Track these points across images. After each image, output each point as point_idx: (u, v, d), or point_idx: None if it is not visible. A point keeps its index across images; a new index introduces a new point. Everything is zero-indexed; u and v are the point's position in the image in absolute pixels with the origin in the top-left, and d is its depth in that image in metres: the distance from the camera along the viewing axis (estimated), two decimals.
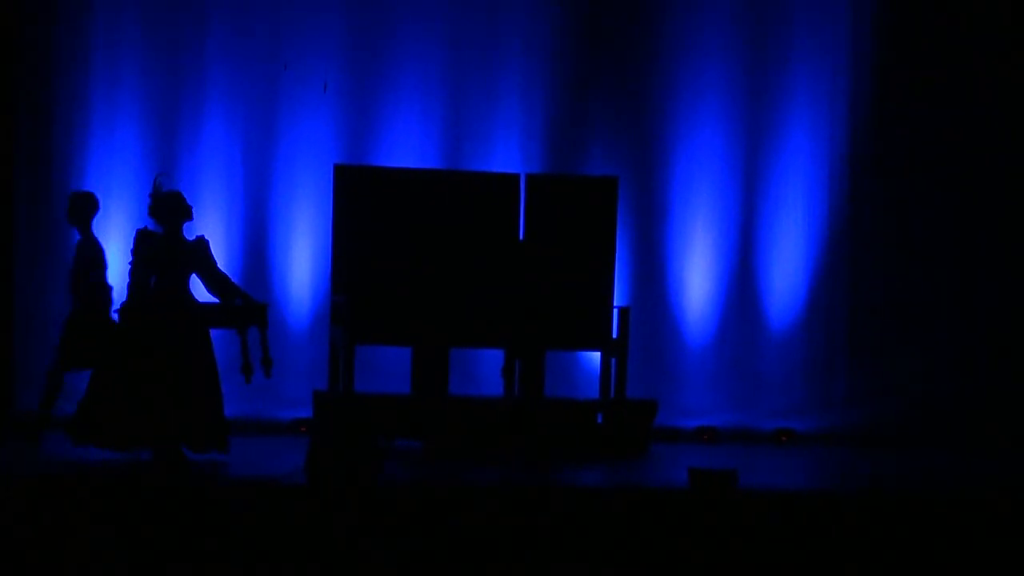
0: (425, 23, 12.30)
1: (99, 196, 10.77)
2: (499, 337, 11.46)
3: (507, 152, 12.37)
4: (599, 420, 11.44)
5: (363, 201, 11.37)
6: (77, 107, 11.95)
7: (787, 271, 12.60)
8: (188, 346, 9.99)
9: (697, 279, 12.53)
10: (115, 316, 10.13)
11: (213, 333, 10.23)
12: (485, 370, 12.05)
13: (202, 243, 10.22)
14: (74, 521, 8.23)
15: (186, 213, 10.18)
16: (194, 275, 10.21)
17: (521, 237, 11.51)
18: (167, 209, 10.15)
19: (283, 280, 12.22)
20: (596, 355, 11.85)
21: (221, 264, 10.42)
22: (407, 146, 12.29)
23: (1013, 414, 12.45)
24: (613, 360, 11.49)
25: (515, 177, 11.61)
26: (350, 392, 11.07)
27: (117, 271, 11.85)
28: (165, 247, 10.11)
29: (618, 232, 11.70)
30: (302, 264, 12.23)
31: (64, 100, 11.94)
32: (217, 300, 10.22)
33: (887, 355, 12.58)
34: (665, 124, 12.53)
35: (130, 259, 10.14)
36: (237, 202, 12.20)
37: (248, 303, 10.22)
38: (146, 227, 10.24)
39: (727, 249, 12.57)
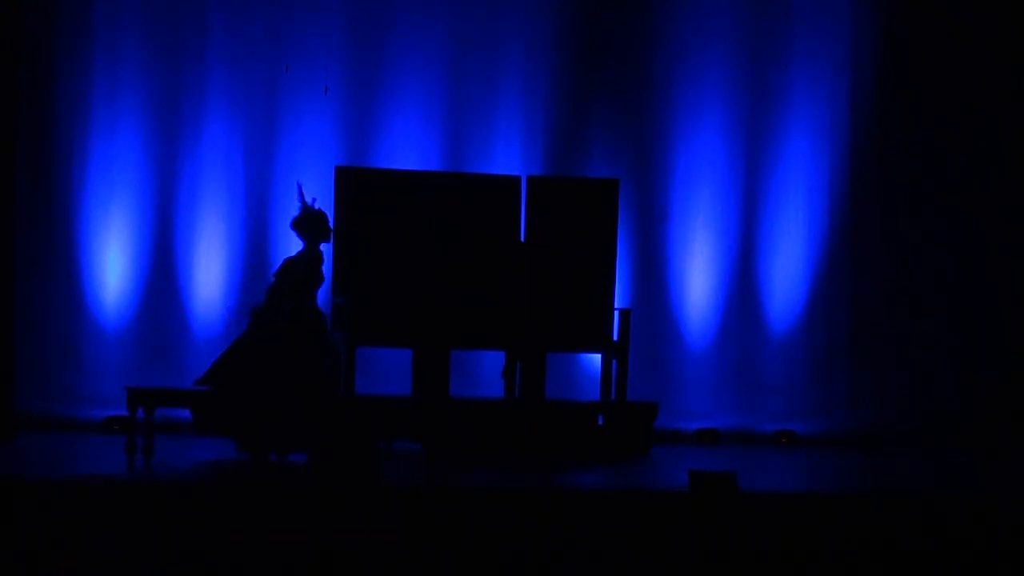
0: (426, 25, 12.31)
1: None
2: (500, 339, 11.45)
3: (508, 154, 12.38)
4: (600, 422, 11.43)
5: (364, 203, 11.36)
6: (77, 107, 11.96)
7: (787, 273, 12.60)
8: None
9: (698, 281, 12.54)
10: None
11: None
12: (486, 372, 12.05)
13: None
14: (75, 522, 8.22)
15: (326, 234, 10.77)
16: None
17: (522, 239, 11.50)
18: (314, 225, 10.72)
19: None
20: (597, 357, 11.85)
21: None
22: (408, 148, 12.30)
23: (1014, 416, 12.45)
24: (614, 362, 11.48)
25: (516, 179, 11.60)
26: (351, 394, 11.07)
27: (116, 271, 11.89)
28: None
29: (619, 234, 11.69)
30: None
31: (64, 100, 11.95)
32: None
33: (888, 357, 12.58)
34: (666, 126, 12.53)
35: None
36: (238, 203, 12.20)
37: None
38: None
39: (727, 251, 12.58)
